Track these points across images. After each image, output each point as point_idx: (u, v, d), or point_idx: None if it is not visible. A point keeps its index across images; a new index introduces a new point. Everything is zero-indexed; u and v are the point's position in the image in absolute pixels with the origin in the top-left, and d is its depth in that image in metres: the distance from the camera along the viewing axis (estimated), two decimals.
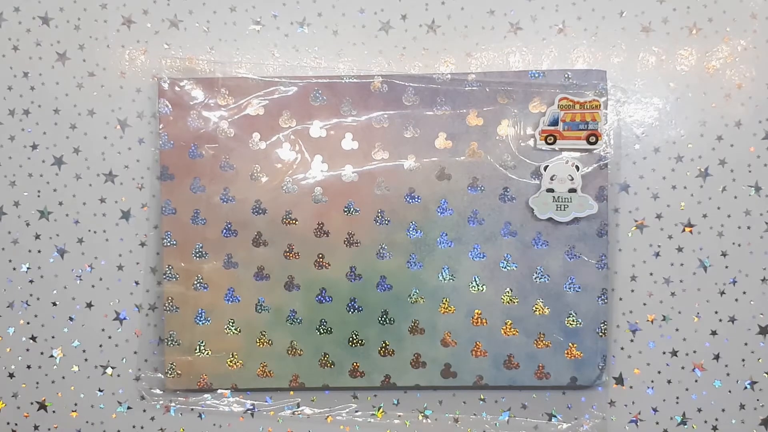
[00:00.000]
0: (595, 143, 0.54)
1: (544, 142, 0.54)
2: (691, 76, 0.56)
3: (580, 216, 0.54)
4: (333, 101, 0.55)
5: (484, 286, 0.55)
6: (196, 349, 0.55)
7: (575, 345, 0.55)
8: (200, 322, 0.55)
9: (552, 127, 0.54)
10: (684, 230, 0.56)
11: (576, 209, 0.54)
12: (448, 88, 0.55)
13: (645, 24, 0.56)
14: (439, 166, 0.55)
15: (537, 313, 0.55)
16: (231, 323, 0.55)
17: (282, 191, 0.55)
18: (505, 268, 0.55)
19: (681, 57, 0.56)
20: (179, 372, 0.56)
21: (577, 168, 0.54)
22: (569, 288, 0.55)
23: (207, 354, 0.56)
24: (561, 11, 0.56)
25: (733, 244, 0.56)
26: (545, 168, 0.54)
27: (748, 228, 0.56)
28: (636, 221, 0.56)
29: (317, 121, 0.55)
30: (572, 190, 0.54)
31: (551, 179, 0.54)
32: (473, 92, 0.55)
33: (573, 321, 0.55)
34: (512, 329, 0.55)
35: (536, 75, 0.55)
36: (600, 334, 0.55)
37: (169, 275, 0.55)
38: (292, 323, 0.55)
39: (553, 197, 0.54)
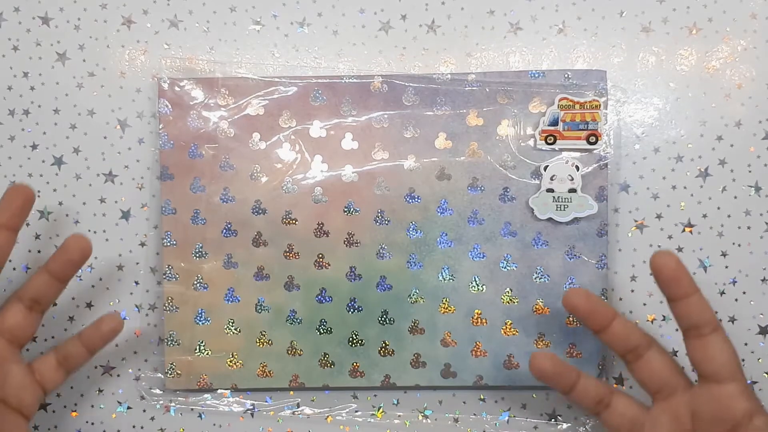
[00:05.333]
0: (595, 143, 0.54)
1: (544, 142, 0.54)
2: (691, 76, 0.56)
3: (580, 216, 0.54)
4: (333, 101, 0.55)
5: (484, 286, 0.55)
6: (196, 349, 0.55)
7: (575, 345, 0.55)
8: (200, 322, 0.55)
9: (552, 127, 0.54)
10: (684, 230, 0.56)
11: (576, 209, 0.54)
12: (448, 88, 0.55)
13: (645, 24, 0.56)
14: (439, 166, 0.55)
15: (537, 313, 0.55)
16: (231, 323, 0.55)
17: (282, 191, 0.55)
18: (505, 268, 0.55)
19: (681, 57, 0.56)
20: (179, 372, 0.56)
21: (577, 168, 0.54)
22: (569, 288, 0.55)
23: (207, 354, 0.56)
24: (561, 11, 0.56)
25: (733, 244, 0.56)
26: (545, 168, 0.54)
27: (748, 228, 0.56)
28: (636, 221, 0.56)
29: (317, 121, 0.55)
30: (572, 190, 0.54)
31: (551, 179, 0.54)
32: (473, 92, 0.55)
33: (573, 321, 0.55)
34: (512, 329, 0.55)
35: (536, 75, 0.55)
36: None
37: (169, 275, 0.55)
38: (292, 323, 0.55)
39: (553, 197, 0.54)
